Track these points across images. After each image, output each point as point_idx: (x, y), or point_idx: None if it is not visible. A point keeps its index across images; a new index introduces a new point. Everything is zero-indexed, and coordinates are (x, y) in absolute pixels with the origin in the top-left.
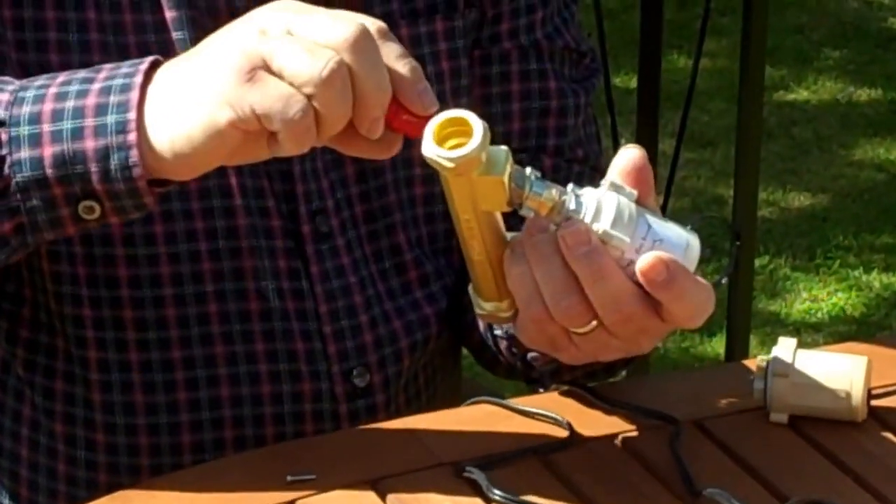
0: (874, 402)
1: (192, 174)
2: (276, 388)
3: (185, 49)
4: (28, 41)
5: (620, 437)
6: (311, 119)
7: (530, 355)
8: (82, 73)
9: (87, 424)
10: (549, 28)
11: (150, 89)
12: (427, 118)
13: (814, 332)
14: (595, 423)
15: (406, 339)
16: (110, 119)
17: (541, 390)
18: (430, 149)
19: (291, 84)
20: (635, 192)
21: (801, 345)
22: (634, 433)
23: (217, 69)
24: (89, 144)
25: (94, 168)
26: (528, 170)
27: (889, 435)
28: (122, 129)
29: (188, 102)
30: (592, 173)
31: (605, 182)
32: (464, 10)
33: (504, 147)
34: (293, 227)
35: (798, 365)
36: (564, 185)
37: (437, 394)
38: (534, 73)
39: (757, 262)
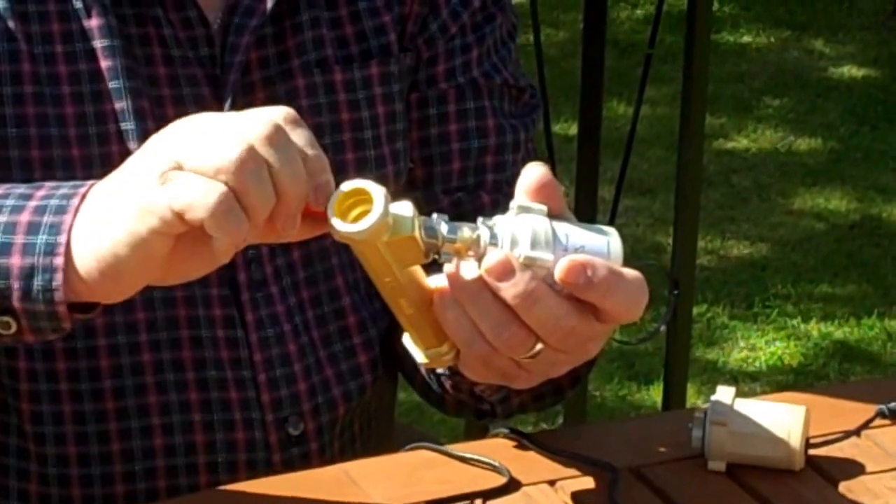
0: (812, 451)
1: (123, 294)
2: (209, 437)
3: (121, 99)
4: None
5: (558, 483)
6: (232, 201)
7: (478, 388)
8: (21, 188)
9: (21, 475)
10: (486, 66)
11: (79, 216)
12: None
13: (751, 381)
14: (533, 469)
15: (339, 388)
16: (40, 239)
17: (495, 430)
18: (335, 224)
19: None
20: (545, 208)
21: (738, 394)
22: (572, 480)
23: (131, 181)
24: (15, 261)
25: (16, 285)
26: (435, 217)
27: (826, 483)
28: (50, 251)
29: (108, 220)
30: None
31: (513, 206)
32: (398, 55)
33: (408, 203)
34: (229, 274)
35: (736, 413)
36: None
37: (371, 440)
38: (471, 112)
39: (695, 311)
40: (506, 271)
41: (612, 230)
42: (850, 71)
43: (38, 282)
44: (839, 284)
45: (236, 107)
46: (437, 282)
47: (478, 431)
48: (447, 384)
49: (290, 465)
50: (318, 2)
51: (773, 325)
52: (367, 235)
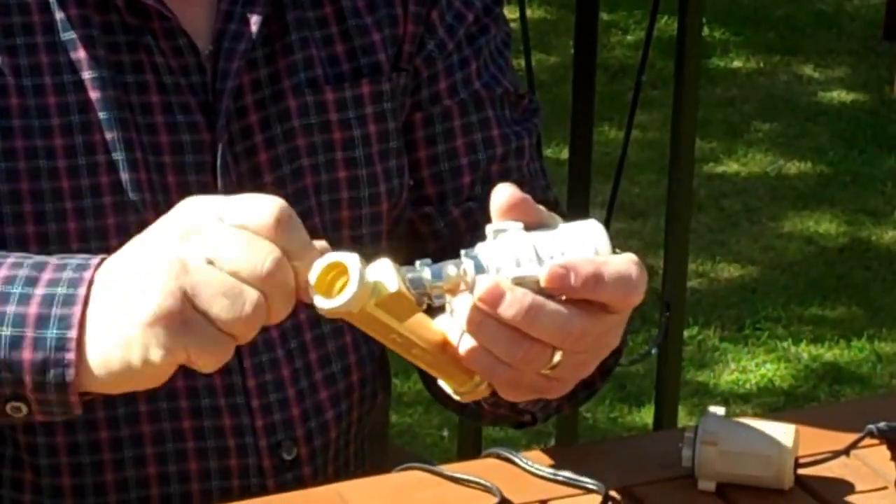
0: (801, 471)
1: (128, 389)
2: (203, 464)
3: (111, 130)
4: None
5: None
6: (229, 349)
7: (519, 403)
8: (26, 269)
9: None
10: (485, 77)
11: (90, 309)
12: None
13: (742, 403)
14: (525, 490)
15: (332, 411)
16: (50, 333)
17: (487, 451)
18: (321, 303)
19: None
20: (520, 224)
21: (729, 415)
22: (564, 500)
23: (147, 309)
24: (27, 356)
25: (28, 378)
26: (417, 264)
27: (815, 503)
28: (61, 346)
29: (124, 337)
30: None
31: (488, 231)
32: (390, 74)
33: (386, 260)
34: None
35: (726, 433)
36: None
37: (365, 463)
38: (475, 125)
39: (686, 333)
40: (497, 295)
41: (594, 223)
42: (840, 95)
43: (50, 375)
44: (829, 307)
45: (230, 131)
46: (442, 323)
47: (470, 452)
48: (485, 404)
49: (283, 491)
50: (307, 21)
51: (764, 347)
52: (351, 306)
